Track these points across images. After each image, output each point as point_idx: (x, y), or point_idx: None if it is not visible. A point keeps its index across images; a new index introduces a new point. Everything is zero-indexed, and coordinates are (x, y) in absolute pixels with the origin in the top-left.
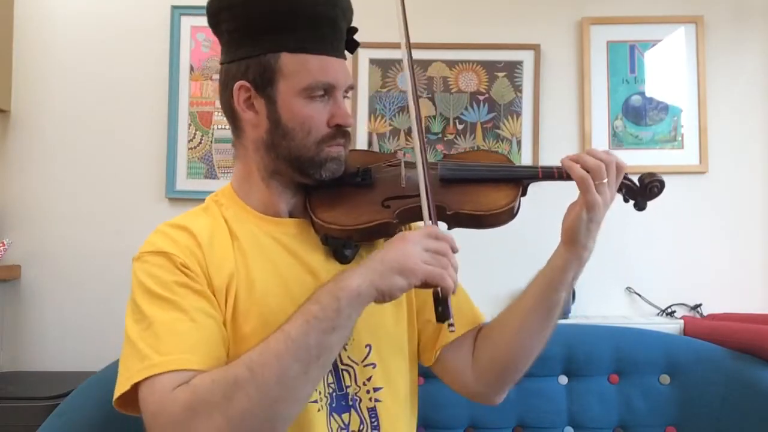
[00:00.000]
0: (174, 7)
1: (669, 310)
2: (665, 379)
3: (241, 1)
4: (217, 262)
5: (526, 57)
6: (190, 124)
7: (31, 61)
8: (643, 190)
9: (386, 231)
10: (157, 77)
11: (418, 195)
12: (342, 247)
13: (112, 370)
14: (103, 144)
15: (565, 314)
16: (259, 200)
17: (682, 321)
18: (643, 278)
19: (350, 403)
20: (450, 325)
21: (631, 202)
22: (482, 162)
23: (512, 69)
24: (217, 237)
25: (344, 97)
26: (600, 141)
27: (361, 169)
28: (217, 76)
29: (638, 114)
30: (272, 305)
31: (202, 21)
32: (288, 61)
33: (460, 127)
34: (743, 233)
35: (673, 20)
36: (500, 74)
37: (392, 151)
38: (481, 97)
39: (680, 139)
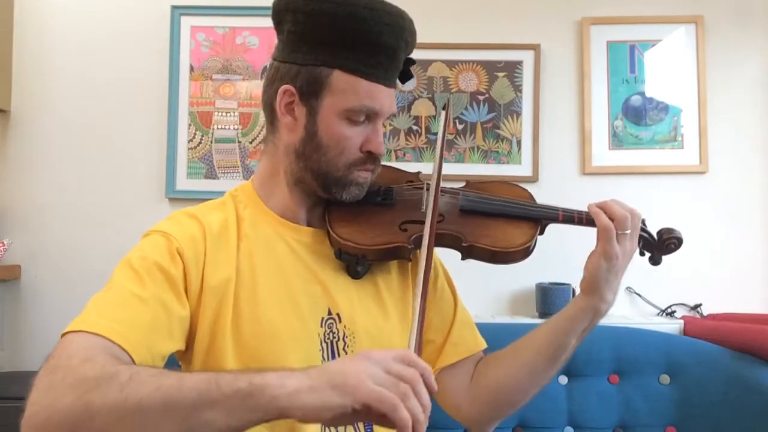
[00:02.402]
0: (174, 7)
1: (669, 310)
2: (665, 379)
3: (309, 8)
4: (219, 260)
5: (526, 57)
6: (190, 124)
7: (31, 61)
8: (660, 245)
9: (400, 254)
10: (157, 77)
11: (438, 221)
12: (355, 264)
13: None
14: (103, 144)
15: None
16: (279, 202)
17: (682, 321)
18: (643, 278)
19: None
20: None
21: (647, 255)
22: (504, 196)
23: (512, 69)
24: (224, 236)
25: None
26: (600, 141)
27: (383, 189)
28: (216, 76)
29: (638, 114)
30: (274, 310)
31: (202, 21)
32: (339, 78)
33: (460, 127)
34: (743, 233)
35: (673, 20)
36: (500, 74)
37: (392, 150)
38: (481, 97)
39: (680, 139)
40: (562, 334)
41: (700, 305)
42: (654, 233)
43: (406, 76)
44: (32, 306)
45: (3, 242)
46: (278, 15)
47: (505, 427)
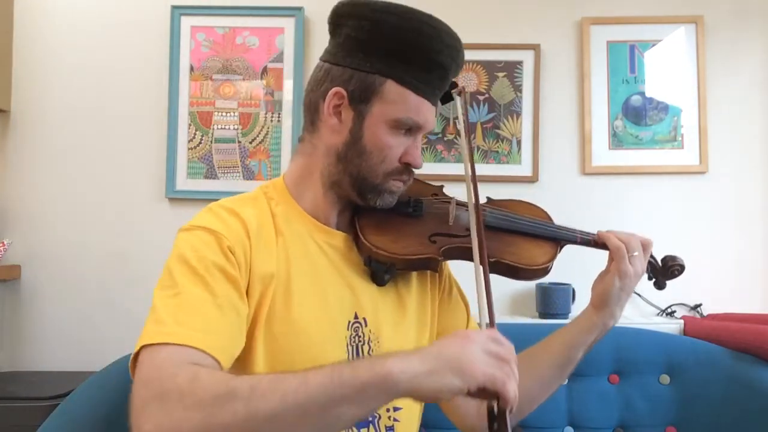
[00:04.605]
0: (174, 7)
1: (669, 310)
2: (665, 379)
3: (375, 17)
4: (262, 257)
5: (526, 57)
6: (190, 124)
7: (31, 61)
8: (664, 271)
9: (429, 265)
10: (157, 77)
11: (465, 235)
12: (383, 272)
13: (112, 370)
14: (103, 144)
15: (566, 314)
16: (311, 203)
17: (682, 321)
18: (643, 278)
19: (370, 419)
20: None
21: (653, 280)
22: (525, 215)
23: (512, 69)
24: (264, 232)
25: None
26: (600, 141)
27: (413, 200)
28: (216, 76)
29: (638, 114)
30: (306, 311)
31: (202, 21)
32: (392, 89)
33: (460, 127)
34: (743, 233)
35: (673, 20)
36: (500, 74)
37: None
38: (481, 97)
39: (680, 139)
40: (572, 348)
41: (700, 305)
42: (659, 260)
43: (446, 98)
44: (32, 306)
45: (3, 242)
46: (339, 18)
47: None
